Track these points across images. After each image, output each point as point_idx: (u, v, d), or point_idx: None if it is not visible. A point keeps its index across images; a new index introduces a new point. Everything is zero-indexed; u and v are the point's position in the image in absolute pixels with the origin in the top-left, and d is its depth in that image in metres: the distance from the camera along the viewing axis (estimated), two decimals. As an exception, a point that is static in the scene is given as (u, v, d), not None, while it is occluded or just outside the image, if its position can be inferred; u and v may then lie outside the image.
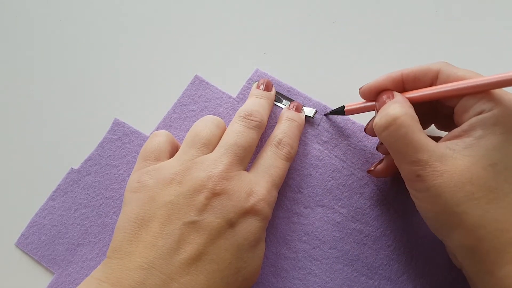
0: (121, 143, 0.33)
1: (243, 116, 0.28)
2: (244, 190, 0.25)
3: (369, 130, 0.29)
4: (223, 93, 0.34)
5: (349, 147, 0.32)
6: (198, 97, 0.34)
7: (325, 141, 0.32)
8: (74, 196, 0.32)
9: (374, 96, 0.28)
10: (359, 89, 0.28)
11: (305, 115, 0.32)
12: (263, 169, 0.27)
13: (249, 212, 0.25)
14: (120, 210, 0.32)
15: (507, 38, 0.36)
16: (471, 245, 0.23)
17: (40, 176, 0.33)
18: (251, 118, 0.28)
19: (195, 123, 0.29)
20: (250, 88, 0.34)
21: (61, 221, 0.31)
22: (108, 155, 0.33)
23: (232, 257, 0.24)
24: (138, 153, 0.33)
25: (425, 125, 0.30)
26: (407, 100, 0.26)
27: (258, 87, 0.31)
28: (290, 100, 0.33)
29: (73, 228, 0.31)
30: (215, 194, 0.25)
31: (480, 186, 0.22)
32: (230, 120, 0.33)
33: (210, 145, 0.27)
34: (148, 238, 0.24)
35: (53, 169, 0.33)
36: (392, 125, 0.24)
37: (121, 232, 0.25)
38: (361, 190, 0.31)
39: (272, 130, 0.30)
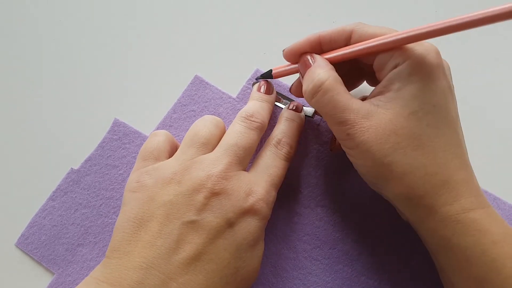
0: (121, 143, 0.33)
1: (244, 117, 0.28)
2: (243, 189, 0.25)
3: (294, 90, 0.31)
4: (223, 93, 0.34)
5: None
6: (198, 97, 0.34)
7: (325, 141, 0.32)
8: (74, 196, 0.32)
9: (297, 58, 0.28)
10: (283, 51, 0.29)
11: (305, 115, 0.32)
12: (262, 169, 0.27)
13: (248, 212, 0.25)
14: (120, 210, 0.32)
15: (506, 38, 0.36)
16: (405, 194, 0.24)
17: (40, 176, 0.33)
18: (252, 119, 0.28)
19: (194, 122, 0.29)
20: (250, 88, 0.34)
21: (61, 221, 0.31)
22: (108, 155, 0.33)
23: (231, 257, 0.24)
24: (138, 153, 0.33)
25: (353, 85, 0.31)
26: (327, 62, 0.27)
27: (258, 89, 0.31)
28: (290, 100, 0.33)
29: (73, 228, 0.31)
30: (214, 194, 0.25)
31: (405, 135, 0.23)
32: (230, 120, 0.33)
33: (209, 145, 0.27)
34: (147, 237, 0.24)
35: (53, 169, 0.33)
36: (318, 90, 0.25)
37: (120, 232, 0.25)
38: (361, 190, 0.31)
39: (272, 130, 0.30)
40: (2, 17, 0.37)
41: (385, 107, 0.24)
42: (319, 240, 0.31)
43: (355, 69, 0.29)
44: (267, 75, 0.31)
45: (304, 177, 0.32)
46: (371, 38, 0.25)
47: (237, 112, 0.33)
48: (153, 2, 0.37)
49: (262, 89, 0.31)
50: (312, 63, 0.27)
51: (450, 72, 0.26)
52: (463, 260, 0.23)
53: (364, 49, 0.25)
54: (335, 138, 0.30)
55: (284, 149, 0.28)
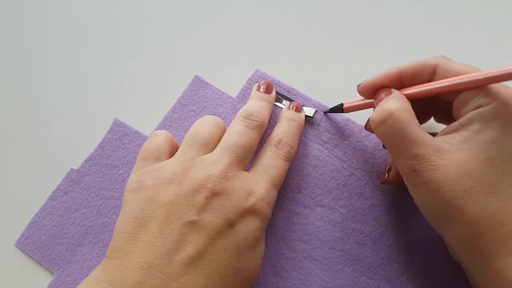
0: (121, 143, 0.33)
1: (244, 116, 0.28)
2: (244, 189, 0.25)
3: (369, 127, 0.29)
4: (223, 93, 0.34)
5: (349, 147, 0.32)
6: (198, 97, 0.34)
7: (325, 141, 0.32)
8: (74, 196, 0.32)
9: (372, 93, 0.27)
10: (357, 86, 0.28)
11: (305, 115, 0.32)
12: (263, 169, 0.27)
13: (248, 212, 0.25)
14: (120, 210, 0.32)
15: (507, 37, 0.36)
16: (470, 238, 0.23)
17: (40, 176, 0.33)
18: (252, 118, 0.28)
19: (194, 123, 0.29)
20: (250, 88, 0.34)
21: (61, 221, 0.31)
22: (108, 155, 0.33)
23: (231, 257, 0.24)
24: (137, 153, 0.33)
25: (423, 119, 0.30)
26: (403, 95, 0.26)
27: (258, 89, 0.31)
28: (290, 100, 0.33)
29: (73, 228, 0.31)
30: (215, 194, 0.25)
31: (478, 180, 0.22)
32: (230, 120, 0.33)
33: (210, 145, 0.27)
34: (147, 238, 0.24)
35: (53, 169, 0.33)
36: (387, 120, 0.24)
37: (120, 232, 0.25)
38: (361, 190, 0.31)
39: (272, 130, 0.30)
40: (2, 18, 0.37)
41: (459, 147, 0.23)
42: (319, 240, 0.31)
43: (429, 105, 0.28)
44: (338, 109, 0.31)
45: (304, 177, 0.32)
46: (456, 75, 0.24)
47: (237, 112, 0.33)
48: (153, 2, 0.37)
49: (262, 88, 0.31)
50: (385, 97, 0.26)
51: None
52: None
53: (451, 85, 0.24)
54: (390, 169, 0.29)
55: (284, 149, 0.28)
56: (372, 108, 0.28)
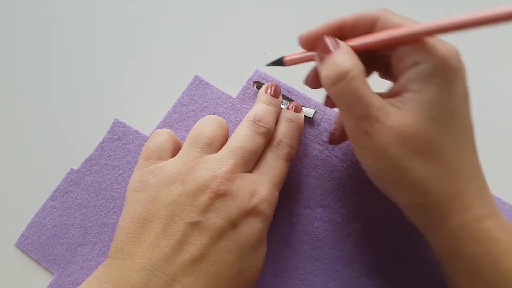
0: (121, 143, 0.33)
1: (252, 121, 0.28)
2: (247, 191, 0.25)
3: (310, 81, 0.28)
4: (223, 93, 0.34)
5: (349, 147, 0.32)
6: (198, 97, 0.34)
7: (325, 141, 0.32)
8: (74, 196, 0.32)
9: (314, 45, 0.26)
10: (299, 37, 0.26)
11: (305, 116, 0.32)
12: (264, 170, 0.27)
13: (251, 213, 0.25)
14: (120, 210, 0.32)
15: (507, 37, 0.36)
16: (417, 200, 0.24)
17: (40, 176, 0.33)
18: (260, 124, 0.28)
19: (197, 122, 0.29)
20: (250, 88, 0.34)
21: (61, 221, 0.31)
22: (108, 155, 0.33)
23: (234, 258, 0.24)
24: (138, 153, 0.33)
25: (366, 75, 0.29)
26: (352, 50, 0.24)
27: (266, 91, 0.30)
28: (290, 100, 0.33)
29: (73, 228, 0.31)
30: (218, 195, 0.24)
31: (423, 141, 0.22)
32: (230, 120, 0.33)
33: (213, 145, 0.27)
34: (150, 238, 0.24)
35: (53, 169, 0.33)
36: (343, 79, 0.23)
37: (123, 232, 0.24)
38: (361, 190, 0.31)
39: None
40: (1, 18, 0.37)
41: (404, 109, 0.23)
42: (319, 240, 0.31)
43: (369, 60, 0.27)
44: (278, 63, 0.29)
45: (304, 177, 0.32)
46: (397, 27, 0.23)
47: (237, 112, 0.33)
48: (153, 2, 0.37)
49: (270, 91, 0.30)
50: (333, 49, 0.24)
51: (466, 76, 0.24)
52: (473, 268, 0.23)
53: (386, 39, 0.23)
54: (338, 129, 0.29)
55: (284, 150, 0.28)
56: (314, 62, 0.27)
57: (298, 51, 0.28)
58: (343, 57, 0.23)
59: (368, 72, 0.28)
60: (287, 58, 0.28)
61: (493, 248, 0.22)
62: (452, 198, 0.23)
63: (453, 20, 0.21)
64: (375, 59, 0.27)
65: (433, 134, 0.22)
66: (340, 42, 0.25)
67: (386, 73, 0.28)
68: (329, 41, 0.24)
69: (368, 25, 0.25)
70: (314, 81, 0.28)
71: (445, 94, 0.22)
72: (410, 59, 0.23)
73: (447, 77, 0.22)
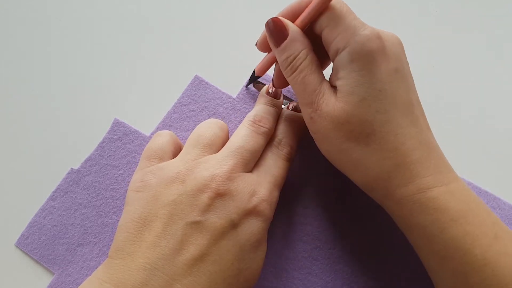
0: (121, 143, 0.33)
1: (252, 121, 0.28)
2: (247, 191, 0.25)
3: (276, 82, 0.29)
4: (223, 93, 0.34)
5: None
6: (198, 97, 0.34)
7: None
8: (74, 196, 0.32)
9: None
10: (256, 44, 0.29)
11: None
12: (265, 170, 0.27)
13: (251, 213, 0.25)
14: (120, 210, 0.32)
15: (506, 36, 0.36)
16: (361, 179, 0.26)
17: (40, 176, 0.33)
18: (260, 124, 0.28)
19: (199, 125, 0.29)
20: (250, 88, 0.34)
21: (61, 221, 0.31)
22: (108, 155, 0.33)
23: (234, 258, 0.24)
24: (138, 153, 0.33)
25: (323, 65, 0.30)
26: (302, 33, 0.26)
27: (267, 92, 0.31)
28: (290, 100, 0.33)
29: (73, 228, 0.31)
30: (219, 195, 0.24)
31: (356, 123, 0.24)
32: (230, 120, 0.33)
33: (214, 146, 0.27)
34: (150, 238, 0.24)
35: (53, 169, 0.33)
36: (295, 70, 0.25)
37: (123, 231, 0.25)
38: (361, 190, 0.31)
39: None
40: (1, 18, 0.37)
41: (338, 95, 0.24)
42: (319, 240, 0.31)
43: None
44: (253, 77, 0.31)
45: (304, 177, 0.32)
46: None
47: (237, 112, 0.33)
48: (153, 2, 0.37)
49: (271, 92, 0.31)
50: (287, 30, 0.26)
51: (403, 52, 0.25)
52: (424, 238, 0.24)
53: (307, 14, 0.25)
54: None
55: (285, 149, 0.28)
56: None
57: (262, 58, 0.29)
58: (293, 45, 0.25)
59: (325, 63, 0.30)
60: (257, 69, 0.30)
61: (440, 217, 0.23)
62: (392, 173, 0.24)
63: None
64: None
65: (364, 116, 0.24)
66: (288, 24, 0.26)
67: None
68: (278, 23, 0.26)
69: (304, 7, 0.26)
70: (279, 81, 0.29)
71: (367, 76, 0.24)
72: (333, 47, 0.25)
73: (365, 60, 0.24)
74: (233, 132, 0.33)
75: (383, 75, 0.24)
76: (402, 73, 0.25)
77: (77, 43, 0.36)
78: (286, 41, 0.26)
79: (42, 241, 0.31)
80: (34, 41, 0.37)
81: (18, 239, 0.31)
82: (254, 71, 0.31)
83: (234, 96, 0.34)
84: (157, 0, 0.37)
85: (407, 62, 0.26)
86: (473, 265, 0.22)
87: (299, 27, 0.26)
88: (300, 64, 0.25)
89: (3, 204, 0.33)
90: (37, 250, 0.31)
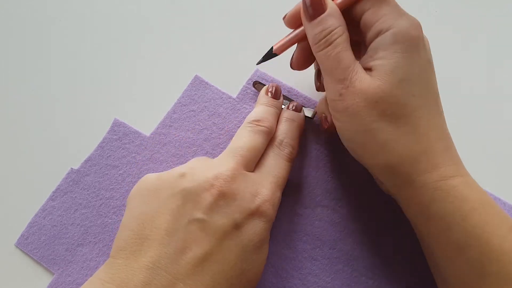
0: (121, 143, 0.33)
1: (252, 121, 0.28)
2: (249, 191, 0.25)
3: (295, 63, 0.30)
4: (223, 93, 0.34)
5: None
6: (198, 97, 0.34)
7: (325, 141, 0.32)
8: (74, 196, 0.32)
9: (299, 21, 0.28)
10: (283, 18, 0.29)
11: (305, 116, 0.32)
12: (267, 170, 0.27)
13: (254, 213, 0.25)
14: (120, 210, 0.32)
15: (506, 36, 0.36)
16: (385, 161, 0.25)
17: (40, 176, 0.33)
18: (260, 123, 0.28)
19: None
20: (250, 88, 0.34)
21: (61, 221, 0.31)
22: (108, 155, 0.33)
23: (237, 258, 0.24)
24: (138, 153, 0.33)
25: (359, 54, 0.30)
26: (339, 10, 0.26)
27: (266, 93, 0.31)
28: (290, 100, 0.33)
29: (73, 228, 0.31)
30: (221, 195, 0.24)
31: (391, 104, 0.24)
32: (230, 120, 0.33)
33: None
34: (153, 236, 0.23)
35: (53, 169, 0.33)
36: (329, 44, 0.25)
37: (125, 230, 0.24)
38: (361, 190, 0.31)
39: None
40: (1, 18, 0.37)
41: (374, 75, 0.24)
42: (319, 240, 0.31)
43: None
44: (269, 55, 0.30)
45: (304, 177, 0.32)
46: None
47: (237, 112, 0.33)
48: (153, 2, 0.37)
49: (270, 93, 0.31)
50: (325, 5, 0.25)
51: (429, 47, 0.26)
52: (443, 226, 0.24)
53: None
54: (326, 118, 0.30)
55: (286, 149, 0.28)
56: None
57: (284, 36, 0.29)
58: (331, 20, 0.25)
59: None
60: (276, 46, 0.29)
61: (461, 206, 0.23)
62: (418, 158, 0.24)
63: None
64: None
65: (401, 97, 0.24)
66: (328, 1, 0.26)
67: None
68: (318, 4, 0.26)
69: None
70: (299, 62, 0.29)
71: (408, 59, 0.24)
72: (375, 29, 0.25)
73: (408, 44, 0.24)
74: (233, 132, 0.33)
75: (422, 62, 0.24)
76: (432, 65, 0.26)
77: (77, 43, 0.36)
78: (323, 15, 0.25)
79: (42, 241, 0.31)
80: (34, 41, 0.37)
81: (18, 239, 0.31)
82: (272, 48, 0.30)
83: (234, 96, 0.34)
84: (157, 0, 0.37)
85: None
86: (490, 254, 0.22)
87: (338, 7, 0.26)
88: (336, 39, 0.25)
89: (3, 204, 0.33)
90: (37, 250, 0.31)
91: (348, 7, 0.26)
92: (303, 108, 0.32)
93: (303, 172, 0.32)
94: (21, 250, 0.31)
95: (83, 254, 0.31)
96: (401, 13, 0.25)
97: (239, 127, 0.32)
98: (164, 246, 0.23)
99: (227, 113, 0.33)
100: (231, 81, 0.34)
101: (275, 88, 0.31)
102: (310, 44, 0.26)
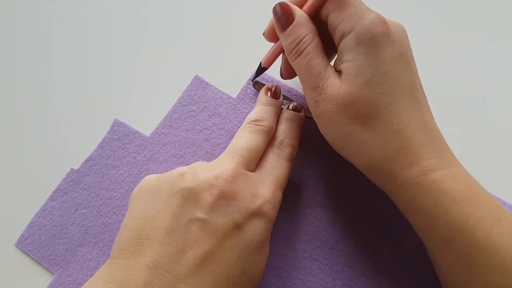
0: (121, 144, 0.33)
1: (251, 122, 0.28)
2: (250, 191, 0.25)
3: (284, 73, 0.31)
4: (223, 93, 0.34)
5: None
6: (198, 97, 0.34)
7: (325, 141, 0.32)
8: (74, 196, 0.32)
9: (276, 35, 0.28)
10: (263, 34, 0.29)
11: (305, 116, 0.32)
12: (267, 171, 0.27)
13: (255, 214, 0.25)
14: (120, 210, 0.32)
15: (506, 36, 0.36)
16: (365, 161, 0.26)
17: (40, 176, 0.33)
18: (258, 123, 0.28)
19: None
20: (250, 88, 0.34)
21: (61, 221, 0.31)
22: (108, 155, 0.33)
23: (238, 259, 0.24)
24: (138, 153, 0.33)
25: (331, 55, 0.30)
26: (308, 17, 0.26)
27: (266, 93, 0.31)
28: (290, 100, 0.33)
29: (73, 228, 0.31)
30: (222, 195, 0.24)
31: (361, 105, 0.24)
32: (230, 121, 0.33)
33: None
34: (153, 236, 0.23)
35: (53, 169, 0.33)
36: (300, 54, 0.26)
37: (126, 230, 0.24)
38: (362, 190, 0.31)
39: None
40: (1, 18, 0.37)
41: (343, 79, 0.25)
42: (319, 240, 0.31)
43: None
44: (260, 70, 0.31)
45: (304, 177, 0.32)
46: None
47: (237, 112, 0.33)
48: (153, 2, 0.37)
49: (269, 93, 0.31)
50: (293, 14, 0.26)
51: (407, 38, 0.26)
52: (427, 221, 0.24)
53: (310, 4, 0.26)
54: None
55: (286, 150, 0.28)
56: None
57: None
58: (300, 30, 0.26)
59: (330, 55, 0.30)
60: (264, 61, 0.30)
61: (442, 200, 0.23)
62: (396, 155, 0.24)
63: None
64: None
65: (369, 98, 0.24)
66: (295, 8, 0.26)
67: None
68: (285, 7, 0.26)
69: None
70: (287, 72, 0.30)
71: (373, 58, 0.24)
72: (339, 31, 0.25)
73: (371, 43, 0.24)
74: (233, 132, 0.33)
75: (388, 58, 0.24)
76: (406, 57, 0.25)
77: (77, 43, 0.36)
78: (292, 25, 0.26)
79: (42, 241, 0.31)
80: (34, 41, 0.37)
81: (18, 239, 0.31)
82: (260, 63, 0.31)
83: (234, 96, 0.34)
84: (157, 0, 0.37)
85: (411, 49, 0.26)
86: (476, 246, 0.22)
87: (306, 13, 0.26)
88: (305, 48, 0.26)
89: (3, 204, 0.33)
90: (37, 250, 0.31)
91: (314, 11, 0.27)
92: (303, 108, 0.32)
93: (303, 172, 0.32)
94: (21, 250, 0.31)
95: (83, 254, 0.31)
96: (363, 11, 0.25)
97: (239, 127, 0.32)
98: (164, 245, 0.23)
99: (227, 113, 0.33)
100: (231, 81, 0.34)
101: (275, 88, 0.31)
102: (285, 54, 0.27)
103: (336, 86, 0.25)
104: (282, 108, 0.32)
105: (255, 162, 0.27)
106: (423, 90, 0.26)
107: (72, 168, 0.33)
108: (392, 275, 0.30)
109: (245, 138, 0.27)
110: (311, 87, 0.26)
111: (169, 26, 0.37)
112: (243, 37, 0.36)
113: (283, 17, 0.26)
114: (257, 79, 0.34)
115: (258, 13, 0.37)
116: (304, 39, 0.26)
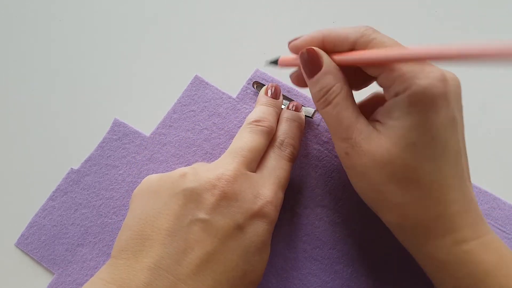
0: (121, 143, 0.33)
1: (251, 122, 0.28)
2: (251, 192, 0.25)
3: (295, 80, 0.29)
4: (223, 93, 0.34)
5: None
6: (198, 97, 0.34)
7: (325, 141, 0.32)
8: (74, 196, 0.32)
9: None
10: (288, 43, 0.28)
11: (305, 115, 0.32)
12: (268, 171, 0.27)
13: (256, 215, 0.25)
14: (120, 210, 0.32)
15: (506, 37, 0.36)
16: (397, 222, 0.25)
17: (40, 176, 0.33)
18: (259, 123, 0.28)
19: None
20: (250, 88, 0.34)
21: (61, 221, 0.31)
22: (108, 155, 0.33)
23: (239, 260, 0.24)
24: (138, 153, 0.33)
25: (363, 84, 0.29)
26: (336, 66, 0.25)
27: (266, 93, 0.31)
28: (290, 100, 0.33)
29: (73, 228, 0.31)
30: (223, 196, 0.24)
31: (401, 167, 0.23)
32: (230, 121, 0.33)
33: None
34: (154, 236, 0.23)
35: (53, 169, 0.33)
36: (329, 103, 0.25)
37: (127, 230, 0.24)
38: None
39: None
40: (1, 18, 0.37)
41: (384, 134, 0.24)
42: (319, 240, 0.31)
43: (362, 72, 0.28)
44: (274, 62, 0.30)
45: (304, 178, 0.32)
46: (375, 47, 0.24)
47: (237, 112, 0.33)
48: (153, 2, 0.37)
49: (269, 93, 0.31)
50: (321, 63, 0.25)
51: (460, 95, 0.24)
52: (458, 286, 0.23)
53: (370, 59, 0.23)
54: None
55: (287, 150, 0.28)
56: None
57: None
58: (328, 79, 0.25)
59: (366, 82, 0.28)
60: (281, 59, 0.29)
61: (475, 270, 0.23)
62: (431, 222, 0.23)
63: (434, 49, 0.20)
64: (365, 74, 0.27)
65: (411, 161, 0.23)
66: (324, 58, 0.25)
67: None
68: (313, 54, 0.25)
69: (350, 43, 0.25)
70: (298, 80, 0.29)
71: (424, 121, 0.22)
72: (392, 90, 0.23)
73: (425, 105, 0.22)
74: (233, 132, 0.33)
75: (440, 122, 0.23)
76: (455, 121, 0.24)
77: (77, 43, 0.36)
78: (319, 73, 0.25)
79: (42, 241, 0.31)
80: (34, 41, 0.37)
81: (18, 239, 0.31)
82: (279, 57, 0.29)
83: (234, 96, 0.34)
84: (157, 0, 0.37)
85: (462, 106, 0.25)
86: None
87: (336, 63, 0.25)
88: (333, 98, 0.25)
89: (3, 204, 0.33)
90: (37, 250, 0.31)
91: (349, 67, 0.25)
92: (303, 108, 0.32)
93: (303, 172, 0.32)
94: (21, 250, 0.31)
95: (83, 254, 0.31)
96: (416, 71, 0.23)
97: (239, 127, 0.32)
98: (166, 246, 0.23)
99: (227, 113, 0.33)
100: (231, 81, 0.34)
101: (275, 88, 0.31)
102: (313, 101, 0.26)
103: (374, 142, 0.24)
104: (282, 108, 0.31)
105: (256, 162, 0.27)
106: (466, 154, 0.25)
107: (72, 168, 0.33)
108: (392, 275, 0.30)
109: (246, 139, 0.27)
110: (342, 138, 0.25)
111: (169, 26, 0.37)
112: (243, 37, 0.36)
113: (311, 64, 0.25)
114: (256, 79, 0.34)
115: (258, 13, 0.37)
116: (333, 89, 0.25)
